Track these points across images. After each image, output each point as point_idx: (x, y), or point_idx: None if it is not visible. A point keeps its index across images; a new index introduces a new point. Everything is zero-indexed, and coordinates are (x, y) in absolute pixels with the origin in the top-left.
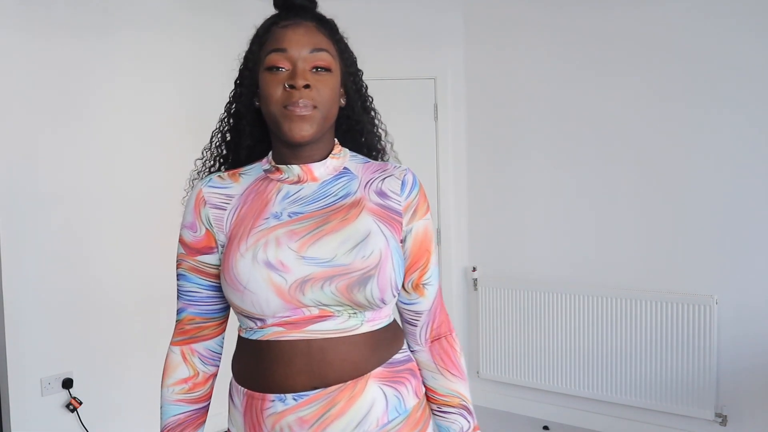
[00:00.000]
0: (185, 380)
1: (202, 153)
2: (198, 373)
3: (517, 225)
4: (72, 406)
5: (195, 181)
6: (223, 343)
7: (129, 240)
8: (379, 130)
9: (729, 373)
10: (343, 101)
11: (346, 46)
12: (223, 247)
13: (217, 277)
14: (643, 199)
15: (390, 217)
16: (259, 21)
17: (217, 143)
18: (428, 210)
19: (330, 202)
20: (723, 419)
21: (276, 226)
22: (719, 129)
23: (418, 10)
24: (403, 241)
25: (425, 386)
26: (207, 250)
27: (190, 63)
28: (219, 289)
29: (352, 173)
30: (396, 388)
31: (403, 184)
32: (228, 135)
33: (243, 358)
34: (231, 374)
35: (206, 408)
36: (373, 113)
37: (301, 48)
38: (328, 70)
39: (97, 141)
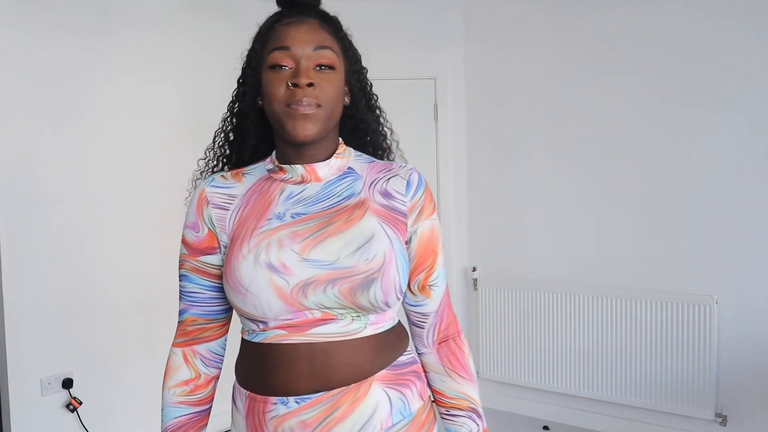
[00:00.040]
0: (186, 382)
1: (205, 153)
2: (200, 375)
3: (517, 225)
4: (72, 406)
5: (198, 181)
6: (225, 345)
7: (129, 240)
8: (385, 129)
9: (729, 373)
10: (347, 99)
11: (350, 43)
12: (225, 247)
13: (220, 277)
14: (643, 199)
15: (394, 218)
16: (260, 21)
17: (221, 143)
18: (435, 210)
19: (334, 202)
20: (723, 419)
21: (279, 228)
22: (719, 129)
23: (418, 10)
24: (408, 242)
25: (433, 389)
26: (209, 251)
27: (190, 63)
28: (222, 289)
29: (356, 173)
30: (400, 391)
31: (408, 184)
32: (231, 134)
33: (245, 360)
34: (234, 377)
35: (208, 411)
36: (378, 111)
37: (305, 46)
38: (331, 68)
39: (97, 141)
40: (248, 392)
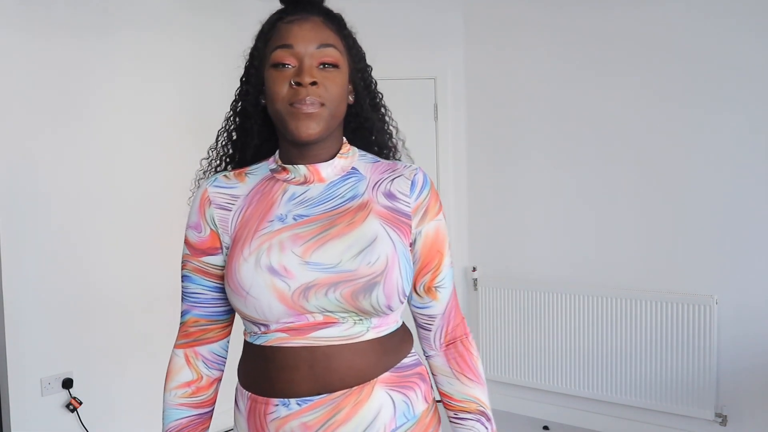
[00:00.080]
0: (188, 384)
1: (208, 152)
2: (202, 376)
3: (517, 225)
4: (72, 406)
5: (201, 181)
6: (228, 347)
7: (129, 240)
8: (390, 128)
9: (729, 373)
10: (351, 98)
11: (354, 41)
12: (227, 248)
13: (222, 278)
14: (643, 199)
15: (398, 220)
16: (262, 19)
17: (223, 142)
18: (441, 210)
19: (336, 204)
20: (723, 419)
21: (280, 230)
22: (719, 129)
23: (418, 10)
24: (413, 244)
25: (441, 392)
26: (212, 251)
27: (190, 63)
28: (224, 290)
29: (360, 174)
30: (404, 393)
31: (412, 184)
32: (234, 134)
33: (248, 362)
34: (237, 378)
35: (209, 414)
36: (383, 110)
37: (308, 44)
38: (335, 66)
39: (97, 141)
40: (250, 393)
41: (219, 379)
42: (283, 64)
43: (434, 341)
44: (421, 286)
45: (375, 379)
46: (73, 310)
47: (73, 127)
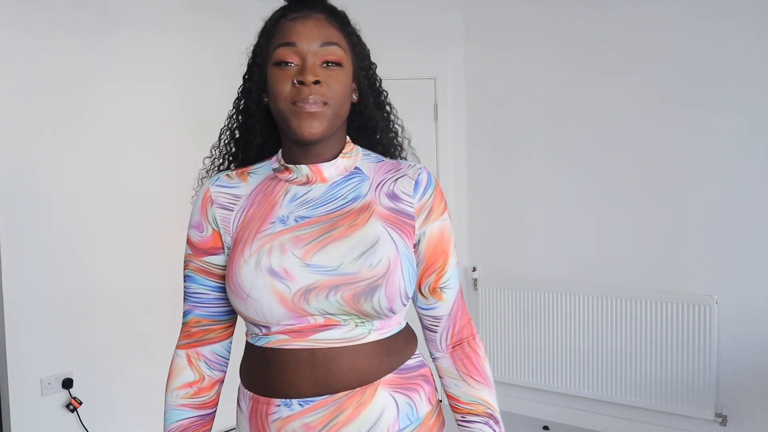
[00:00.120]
0: (190, 384)
1: (211, 151)
2: (204, 377)
3: (517, 225)
4: (72, 406)
5: (204, 179)
6: (230, 347)
7: (129, 240)
8: (395, 126)
9: (729, 373)
10: (355, 96)
11: (358, 38)
12: (228, 249)
13: (224, 278)
14: (643, 199)
15: (401, 221)
16: (265, 16)
17: (226, 140)
18: (446, 210)
19: (339, 205)
20: (723, 419)
21: (281, 232)
22: (719, 129)
23: (418, 10)
24: (416, 245)
25: (448, 395)
26: (214, 251)
27: (190, 63)
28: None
29: (363, 174)
30: (408, 395)
31: (416, 184)
32: (237, 132)
33: (249, 362)
34: (236, 379)
35: (212, 416)
36: (388, 108)
37: (311, 42)
38: (339, 64)
39: (97, 141)
40: (252, 393)
41: (221, 381)
42: (286, 63)
43: (440, 343)
44: (426, 286)
45: (378, 381)
46: (73, 310)
47: (73, 127)
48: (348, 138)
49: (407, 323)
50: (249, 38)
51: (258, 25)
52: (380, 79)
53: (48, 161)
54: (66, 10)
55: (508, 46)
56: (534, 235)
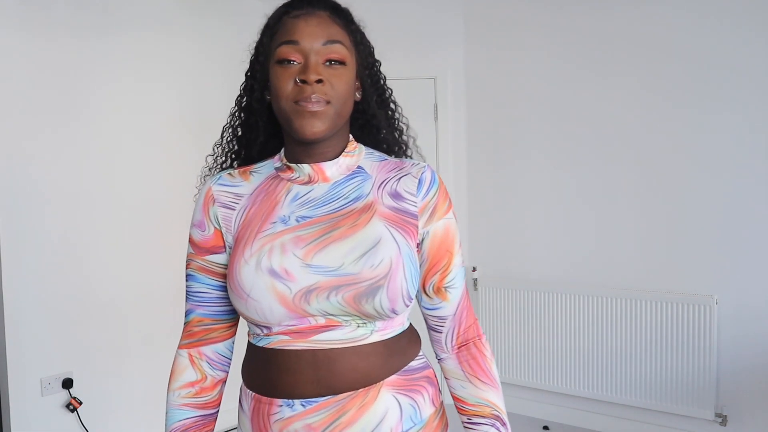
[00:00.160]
0: (192, 384)
1: (213, 149)
2: (206, 377)
3: (517, 225)
4: (72, 406)
5: (206, 178)
6: (232, 347)
7: (129, 240)
8: (400, 124)
9: (729, 373)
10: (358, 95)
11: (362, 36)
12: (230, 247)
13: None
14: (643, 199)
15: (404, 220)
16: (265, 14)
17: (228, 139)
18: (450, 209)
19: (340, 205)
20: (723, 419)
21: (282, 232)
22: (719, 129)
23: (418, 10)
24: (420, 244)
25: (454, 396)
26: (216, 250)
27: (190, 63)
28: None
29: (366, 173)
30: (411, 397)
31: (420, 183)
32: (239, 130)
33: (251, 362)
34: (238, 378)
35: (214, 416)
36: (392, 106)
37: (314, 40)
38: (342, 63)
39: (96, 141)
40: (254, 393)
41: (223, 381)
42: (288, 61)
43: (446, 344)
44: (430, 286)
45: (381, 382)
46: (73, 310)
47: (73, 127)
48: (351, 136)
49: (411, 324)
50: (249, 38)
51: (258, 25)
52: (384, 77)
53: (48, 161)
54: (66, 10)
55: (508, 46)
56: (534, 235)
